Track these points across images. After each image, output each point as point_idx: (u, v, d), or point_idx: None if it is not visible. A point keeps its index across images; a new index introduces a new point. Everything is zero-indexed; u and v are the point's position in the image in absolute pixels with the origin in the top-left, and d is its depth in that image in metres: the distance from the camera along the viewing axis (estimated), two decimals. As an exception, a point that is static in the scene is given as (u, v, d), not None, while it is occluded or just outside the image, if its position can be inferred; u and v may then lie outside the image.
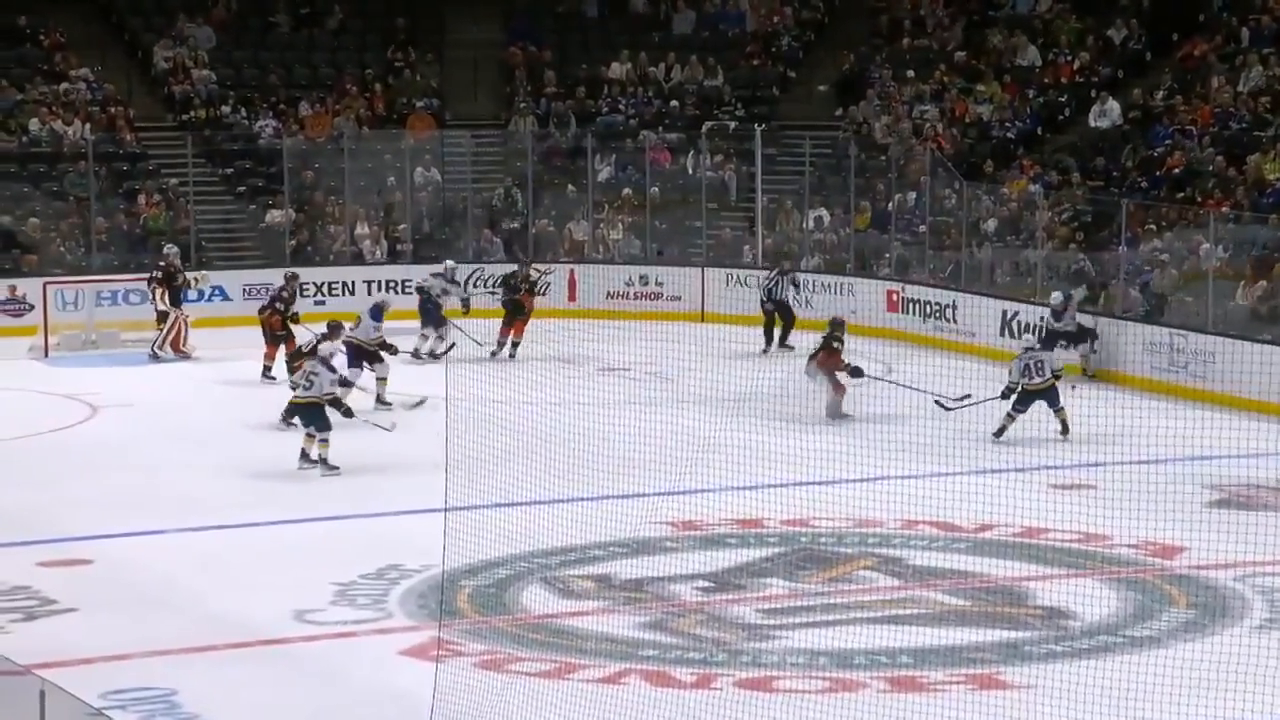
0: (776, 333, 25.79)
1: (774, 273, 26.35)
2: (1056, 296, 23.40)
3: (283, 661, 13.26)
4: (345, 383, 19.65)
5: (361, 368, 21.60)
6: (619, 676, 12.72)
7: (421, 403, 20.70)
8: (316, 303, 28.24)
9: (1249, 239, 23.73)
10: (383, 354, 21.75)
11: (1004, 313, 24.91)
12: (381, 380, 21.72)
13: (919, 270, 27.22)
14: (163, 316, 25.43)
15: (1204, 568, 14.92)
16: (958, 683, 12.61)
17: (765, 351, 25.60)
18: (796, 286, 26.31)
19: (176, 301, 25.52)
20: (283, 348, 23.20)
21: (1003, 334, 24.82)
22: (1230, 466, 17.92)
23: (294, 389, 19.19)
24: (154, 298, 25.57)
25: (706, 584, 14.96)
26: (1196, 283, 23.54)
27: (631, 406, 20.36)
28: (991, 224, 27.11)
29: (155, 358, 25.15)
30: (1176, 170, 26.47)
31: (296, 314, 23.94)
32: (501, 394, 20.76)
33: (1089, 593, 14.47)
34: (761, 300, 26.04)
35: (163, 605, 14.38)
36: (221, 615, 14.11)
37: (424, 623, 13.70)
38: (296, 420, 19.18)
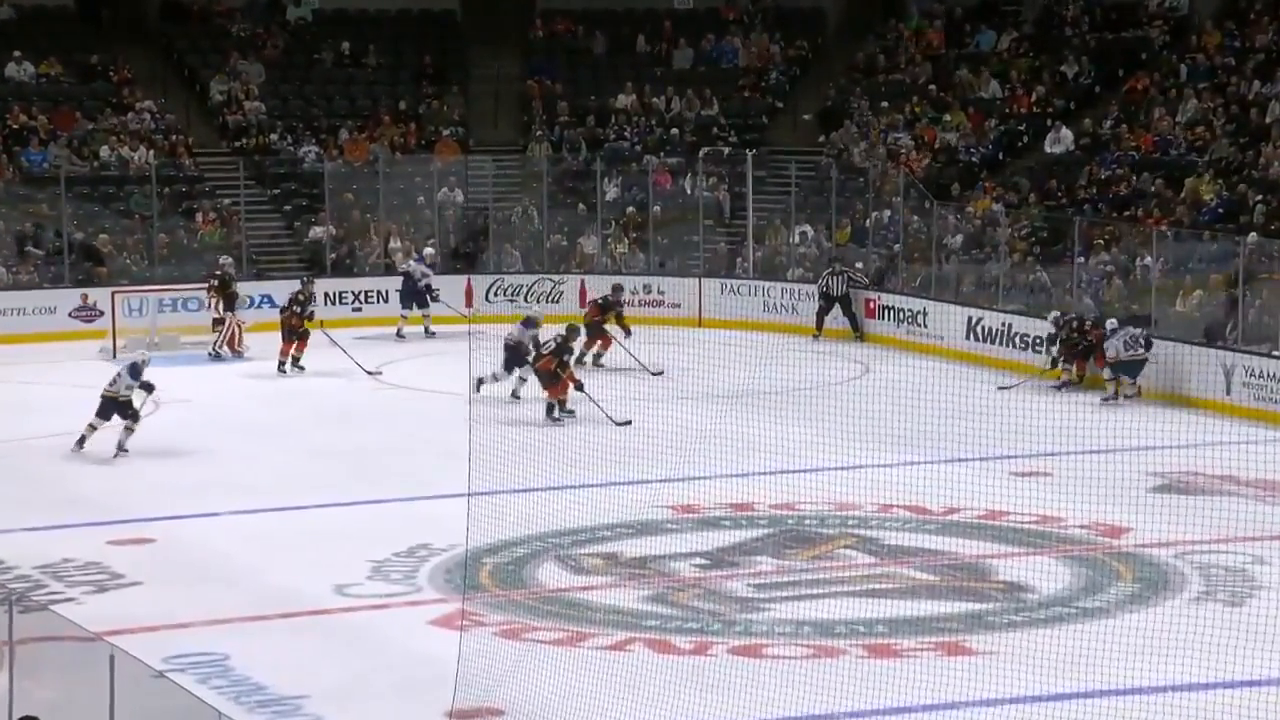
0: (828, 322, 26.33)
1: (825, 272, 26.54)
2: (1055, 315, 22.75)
3: (324, 630, 13.24)
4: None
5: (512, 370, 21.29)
6: (625, 644, 12.69)
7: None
8: (354, 310, 28.29)
9: (1187, 254, 23.68)
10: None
11: (969, 319, 24.85)
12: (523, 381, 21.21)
13: (893, 280, 27.17)
14: (218, 321, 25.46)
15: (1147, 546, 14.87)
16: (928, 650, 12.57)
17: (816, 337, 25.97)
18: (853, 281, 26.41)
19: (231, 307, 25.54)
20: (296, 343, 23.88)
21: (968, 338, 24.77)
22: (1171, 455, 17.88)
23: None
24: (210, 304, 25.62)
25: (703, 561, 14.93)
26: (1142, 292, 23.49)
27: (636, 402, 20.37)
28: (958, 239, 27.05)
29: (216, 357, 25.18)
30: (1122, 191, 26.45)
31: (312, 313, 24.35)
32: (520, 391, 20.80)
33: (1045, 568, 14.45)
34: (819, 296, 26.35)
35: (218, 579, 14.37)
36: (270, 588, 14.10)
37: (450, 596, 13.68)
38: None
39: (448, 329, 26.31)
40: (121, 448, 18.75)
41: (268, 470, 18.33)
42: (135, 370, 19.13)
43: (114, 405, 18.85)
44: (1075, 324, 22.33)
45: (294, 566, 14.71)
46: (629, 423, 19.35)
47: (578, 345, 21.41)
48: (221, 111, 31.89)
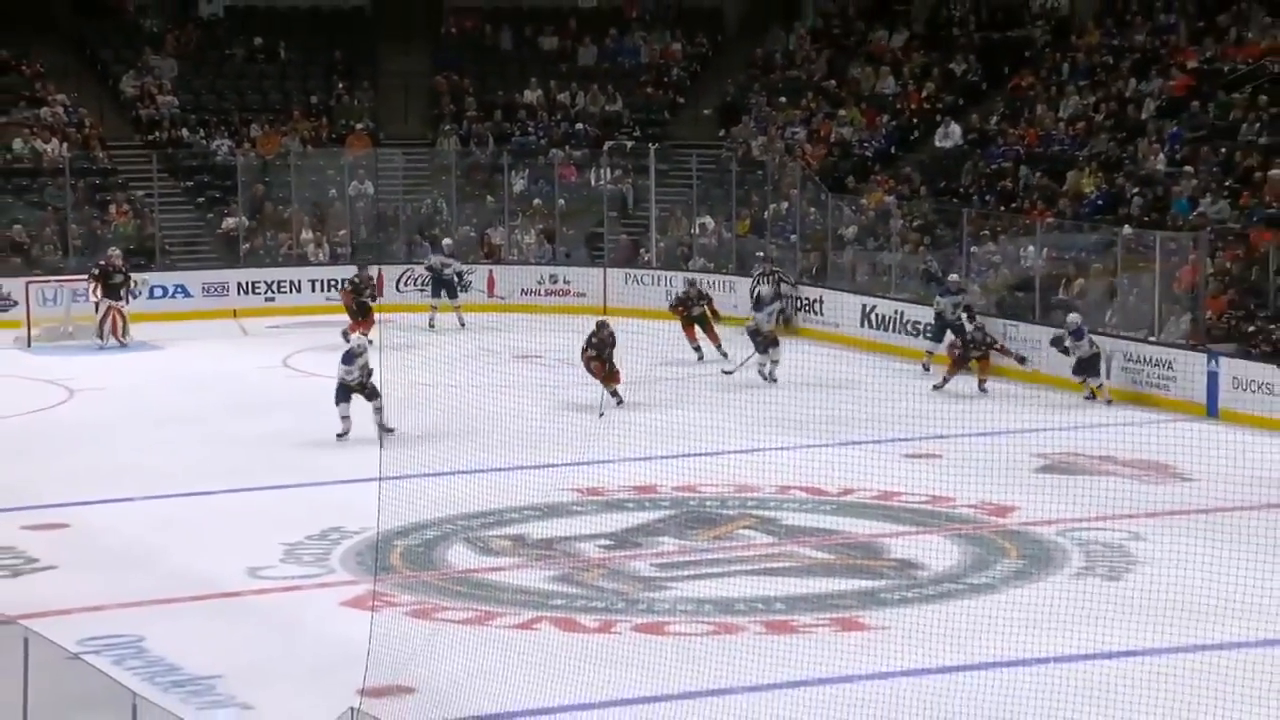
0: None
1: (757, 273, 25.70)
2: (1074, 319, 20.85)
3: (237, 612, 13.13)
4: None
5: None
6: (532, 623, 12.69)
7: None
8: (266, 299, 28.04)
9: (1069, 244, 23.98)
10: None
11: (863, 306, 25.03)
12: None
13: (791, 270, 27.27)
14: (96, 308, 25.02)
15: (1032, 524, 15.08)
16: (823, 625, 12.67)
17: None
18: (784, 280, 25.60)
19: (114, 296, 25.01)
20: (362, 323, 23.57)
21: (862, 325, 24.93)
22: (1054, 438, 18.11)
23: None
24: (90, 292, 25.11)
25: (608, 542, 14.95)
26: (1026, 280, 23.74)
27: (543, 388, 20.35)
28: (852, 230, 27.22)
29: (100, 346, 24.82)
30: (1008, 184, 26.73)
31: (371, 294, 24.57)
32: (430, 378, 20.69)
33: (935, 547, 14.60)
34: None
35: (132, 563, 14.21)
36: (183, 572, 13.96)
37: (362, 577, 13.60)
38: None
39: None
40: (386, 428, 18.14)
41: (182, 457, 18.10)
42: (349, 357, 18.79)
43: (347, 391, 18.58)
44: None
45: (207, 550, 14.57)
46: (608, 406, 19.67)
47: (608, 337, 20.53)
48: (134, 105, 31.46)
